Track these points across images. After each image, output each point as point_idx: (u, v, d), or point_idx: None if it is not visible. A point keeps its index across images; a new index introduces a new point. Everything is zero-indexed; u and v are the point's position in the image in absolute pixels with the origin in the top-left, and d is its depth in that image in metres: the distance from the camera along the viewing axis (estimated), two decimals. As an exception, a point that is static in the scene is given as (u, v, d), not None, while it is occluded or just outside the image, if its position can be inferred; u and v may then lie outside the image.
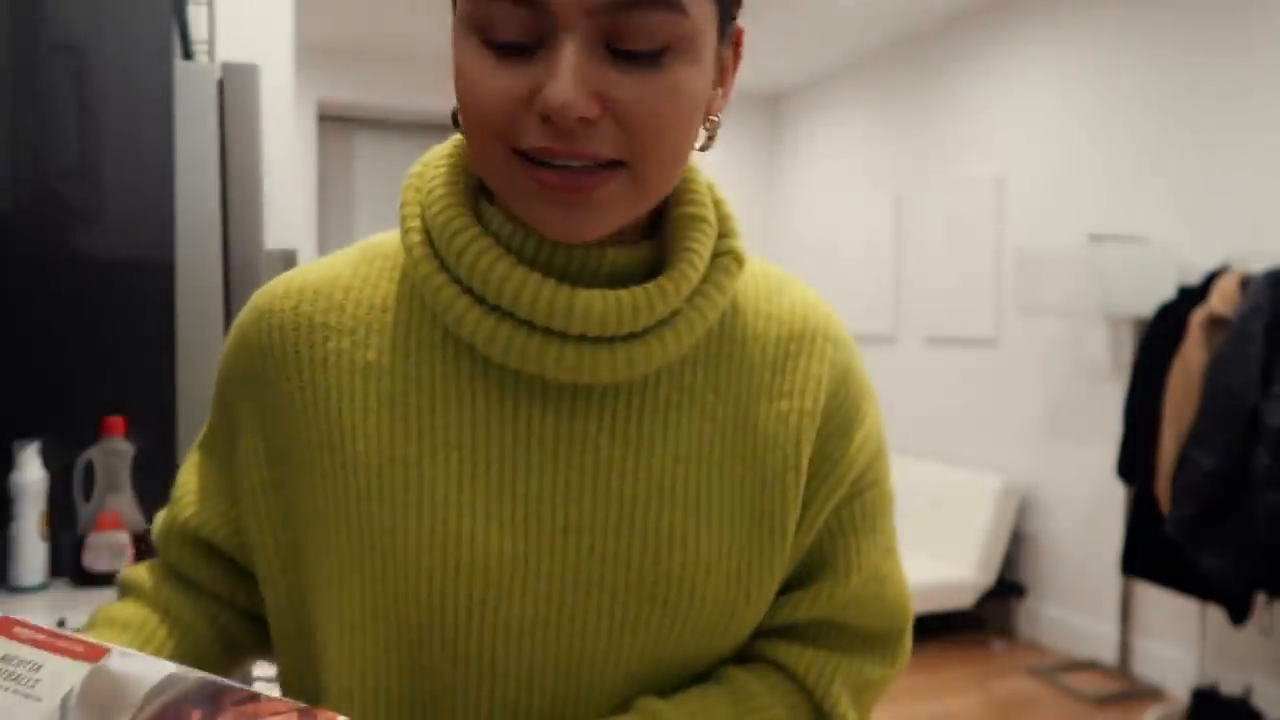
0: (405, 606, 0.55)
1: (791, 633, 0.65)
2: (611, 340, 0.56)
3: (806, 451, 0.61)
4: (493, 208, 0.59)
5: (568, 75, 0.48)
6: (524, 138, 0.51)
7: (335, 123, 5.50)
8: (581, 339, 0.55)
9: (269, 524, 0.60)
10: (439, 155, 0.61)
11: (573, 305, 0.54)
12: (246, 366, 0.62)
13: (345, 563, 0.56)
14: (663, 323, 0.57)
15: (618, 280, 0.59)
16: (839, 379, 0.64)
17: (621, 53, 0.50)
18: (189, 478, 0.66)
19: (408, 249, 0.58)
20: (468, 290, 0.56)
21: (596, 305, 0.54)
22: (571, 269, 0.58)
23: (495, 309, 0.55)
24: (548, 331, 0.55)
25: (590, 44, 0.49)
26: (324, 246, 5.44)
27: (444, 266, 0.57)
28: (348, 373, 0.58)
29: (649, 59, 0.50)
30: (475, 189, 0.61)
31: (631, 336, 0.56)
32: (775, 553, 0.60)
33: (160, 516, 0.68)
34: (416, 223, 0.58)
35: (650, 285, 0.56)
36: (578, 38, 0.49)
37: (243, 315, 0.63)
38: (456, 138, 0.62)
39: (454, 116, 0.58)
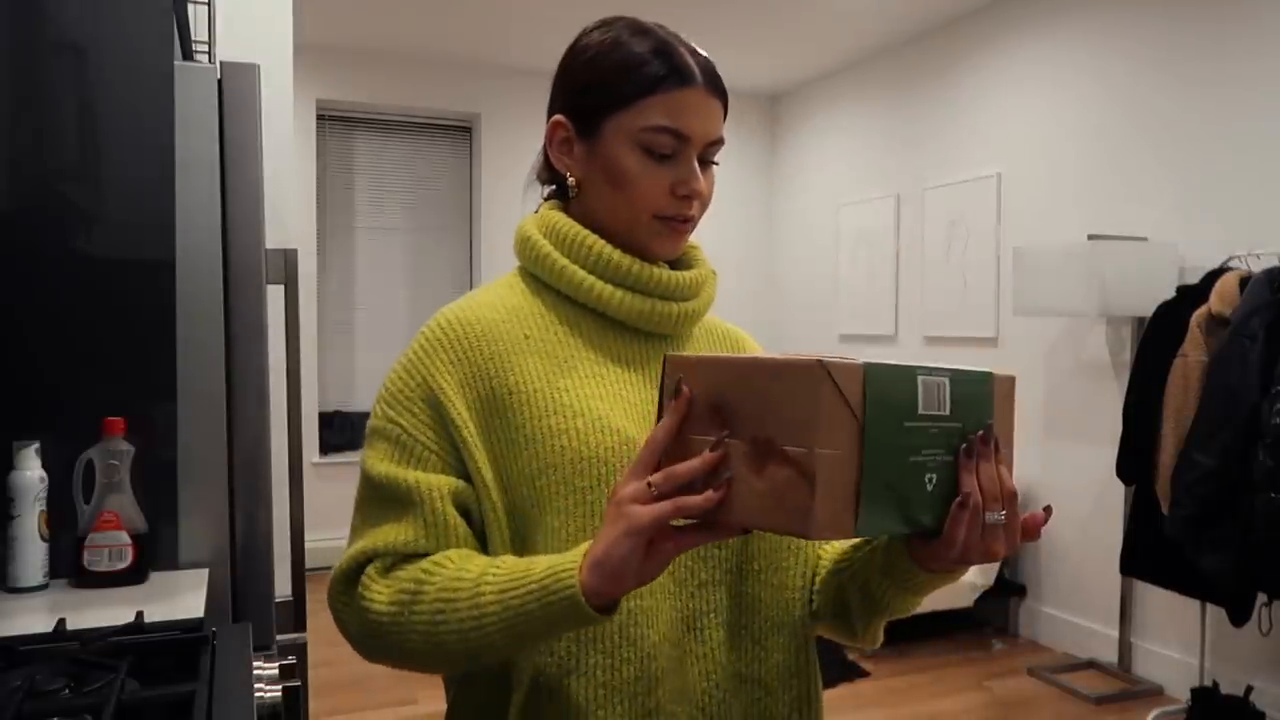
0: (580, 477, 0.88)
1: None
2: (670, 300, 0.98)
3: None
4: (605, 242, 0.97)
5: (699, 174, 0.94)
6: (665, 209, 0.94)
7: (335, 123, 5.50)
8: (659, 298, 0.97)
9: (482, 455, 0.90)
10: (555, 220, 0.98)
11: (663, 278, 0.97)
12: (445, 355, 0.94)
13: (539, 456, 0.89)
14: (694, 293, 1.01)
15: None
16: None
17: (703, 161, 0.95)
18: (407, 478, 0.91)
19: (552, 264, 0.97)
20: (600, 279, 0.96)
21: (672, 277, 0.98)
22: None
23: (616, 286, 0.96)
24: (645, 293, 0.97)
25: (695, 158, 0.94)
26: (324, 246, 5.44)
27: (580, 269, 0.96)
28: (516, 347, 0.94)
29: (712, 165, 0.97)
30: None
31: (683, 299, 0.99)
32: None
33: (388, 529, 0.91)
34: (553, 250, 0.98)
35: (689, 271, 1.01)
36: (695, 154, 0.94)
37: (433, 325, 0.96)
38: (547, 213, 1.00)
39: (566, 185, 0.99)
